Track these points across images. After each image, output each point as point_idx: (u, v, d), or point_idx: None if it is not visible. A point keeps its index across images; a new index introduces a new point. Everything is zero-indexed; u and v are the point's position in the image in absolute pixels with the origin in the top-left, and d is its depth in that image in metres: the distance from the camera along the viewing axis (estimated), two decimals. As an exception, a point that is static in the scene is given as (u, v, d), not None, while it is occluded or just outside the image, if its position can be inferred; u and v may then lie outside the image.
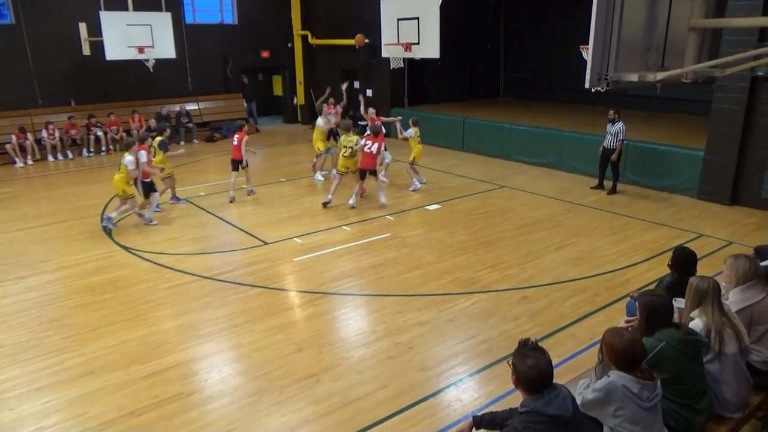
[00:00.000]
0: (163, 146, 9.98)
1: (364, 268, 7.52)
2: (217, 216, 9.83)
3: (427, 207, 10.15)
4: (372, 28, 15.53)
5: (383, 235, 8.71)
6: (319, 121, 11.95)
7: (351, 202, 10.10)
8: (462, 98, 18.93)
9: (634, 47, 3.96)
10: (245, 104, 18.85)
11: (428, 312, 6.26)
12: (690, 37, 4.17)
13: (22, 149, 14.34)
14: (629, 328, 3.35)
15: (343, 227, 9.11)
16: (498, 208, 10.09)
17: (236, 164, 10.61)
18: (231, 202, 10.59)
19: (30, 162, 14.36)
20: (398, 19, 12.60)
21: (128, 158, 8.81)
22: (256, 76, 20.37)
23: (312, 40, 19.42)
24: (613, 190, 10.71)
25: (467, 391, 4.90)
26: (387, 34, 12.87)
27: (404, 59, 13.62)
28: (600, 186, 10.94)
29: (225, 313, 6.33)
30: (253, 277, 7.28)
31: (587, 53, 3.95)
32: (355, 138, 10.29)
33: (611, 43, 3.84)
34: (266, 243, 8.50)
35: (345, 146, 10.24)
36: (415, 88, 17.79)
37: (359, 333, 5.92)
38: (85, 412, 4.66)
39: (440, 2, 11.71)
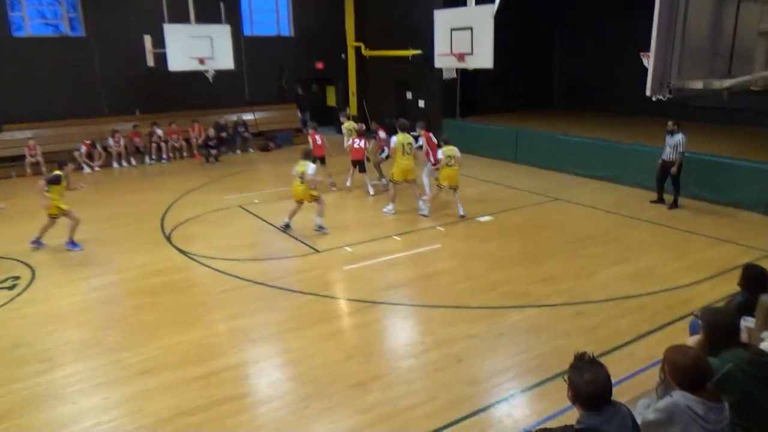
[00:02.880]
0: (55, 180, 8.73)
1: (414, 279, 7.50)
2: (270, 223, 10.02)
3: (478, 218, 10.03)
4: (425, 38, 15.57)
5: (433, 246, 8.66)
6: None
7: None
8: (515, 109, 18.68)
9: (698, 53, 3.81)
10: (299, 114, 19.23)
11: (478, 324, 6.16)
12: (759, 43, 3.97)
13: (90, 156, 15.08)
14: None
15: (394, 237, 9.11)
16: (552, 221, 9.87)
17: (323, 160, 11.95)
18: (332, 186, 12.37)
19: (97, 168, 15.09)
20: (452, 29, 12.59)
21: (311, 165, 9.31)
22: (310, 86, 20.75)
23: (365, 52, 19.65)
24: (674, 205, 10.30)
25: (519, 407, 4.78)
26: (440, 44, 12.86)
27: (457, 69, 13.58)
28: (660, 200, 10.54)
29: (276, 319, 6.43)
30: (304, 284, 7.37)
31: (648, 60, 3.83)
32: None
33: (674, 49, 3.71)
34: (317, 251, 8.60)
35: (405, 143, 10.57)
36: (467, 98, 17.69)
37: (408, 343, 5.89)
38: (141, 409, 4.81)
39: (494, 12, 11.63)
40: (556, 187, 12.09)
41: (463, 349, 5.65)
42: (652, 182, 10.87)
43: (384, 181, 12.03)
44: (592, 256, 8.11)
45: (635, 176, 11.80)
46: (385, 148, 12.14)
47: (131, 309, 6.77)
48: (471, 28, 11.99)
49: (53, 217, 8.87)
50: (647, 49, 3.81)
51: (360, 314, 6.55)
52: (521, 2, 16.76)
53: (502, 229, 9.41)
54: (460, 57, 12.40)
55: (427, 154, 11.08)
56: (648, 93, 3.82)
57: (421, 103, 18.08)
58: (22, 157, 14.38)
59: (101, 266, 8.16)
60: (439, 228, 9.54)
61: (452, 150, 9.94)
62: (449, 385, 5.07)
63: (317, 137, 12.08)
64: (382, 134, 12.40)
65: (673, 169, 10.01)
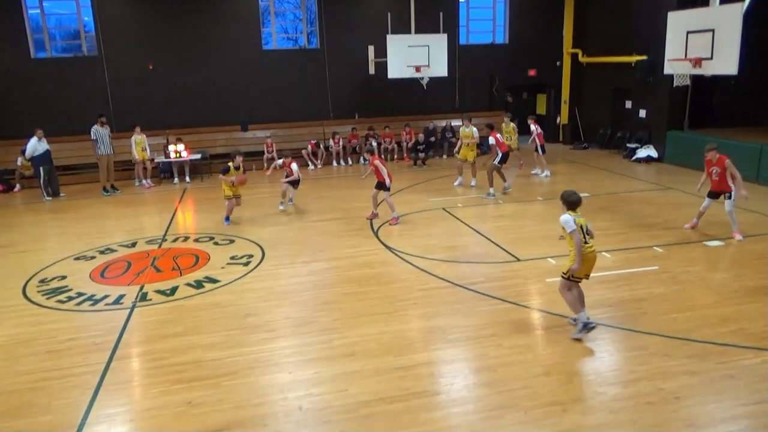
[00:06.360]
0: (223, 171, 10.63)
1: (624, 300, 6.88)
2: (472, 227, 10.07)
3: (706, 243, 8.87)
4: (653, 42, 14.31)
5: (649, 268, 7.87)
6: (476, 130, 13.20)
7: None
8: (761, 123, 16.15)
9: None
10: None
11: (702, 362, 5.42)
12: None
13: (314, 155, 16.76)
14: None
15: (604, 254, 8.46)
16: (804, 253, 8.30)
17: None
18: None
19: (319, 165, 16.72)
20: (687, 32, 11.37)
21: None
22: (520, 94, 20.43)
23: (582, 58, 18.72)
24: None
25: (750, 464, 4.10)
26: (672, 48, 11.71)
27: (690, 76, 12.18)
28: None
29: (473, 323, 6.41)
30: (503, 291, 7.25)
31: None
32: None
33: None
34: (519, 259, 8.39)
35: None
36: (699, 108, 15.79)
37: (615, 369, 5.42)
38: (345, 388, 5.16)
39: (744, 11, 10.21)
40: (811, 214, 10.16)
41: (682, 386, 5.01)
42: None
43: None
44: None
45: None
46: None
47: (341, 295, 7.33)
48: (713, 30, 10.68)
49: (228, 199, 10.67)
50: None
51: (562, 330, 6.20)
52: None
53: (736, 258, 8.19)
54: (697, 62, 11.15)
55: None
56: None
57: (642, 113, 16.64)
58: (261, 153, 16.52)
59: (318, 253, 8.99)
60: (657, 249, 8.64)
61: None
62: (662, 423, 4.53)
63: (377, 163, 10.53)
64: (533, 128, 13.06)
65: None
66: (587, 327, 5.87)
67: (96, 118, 14.16)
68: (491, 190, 12.19)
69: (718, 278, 7.49)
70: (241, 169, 10.72)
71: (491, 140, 12.29)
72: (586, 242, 5.73)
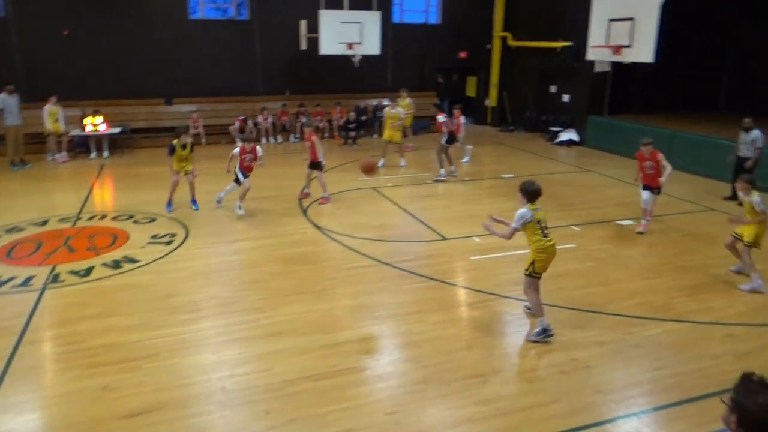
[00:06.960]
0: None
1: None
2: (401, 207, 10.17)
3: (619, 221, 9.39)
4: (578, 29, 14.81)
5: (567, 246, 8.23)
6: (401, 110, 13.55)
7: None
8: (673, 110, 17.16)
9: None
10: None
11: (611, 332, 5.77)
12: None
13: (242, 131, 16.29)
14: None
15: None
16: (703, 232, 8.95)
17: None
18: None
19: (247, 143, 16.26)
20: (610, 20, 11.85)
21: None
22: (451, 76, 20.66)
23: (511, 42, 19.12)
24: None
25: (650, 425, 4.42)
26: (595, 35, 12.18)
27: (611, 63, 12.74)
28: (734, 196, 9.64)
29: (399, 300, 6.51)
30: (429, 269, 7.39)
31: None
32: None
33: None
34: (445, 238, 8.57)
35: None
36: (618, 95, 16.57)
37: (532, 341, 5.68)
38: (270, 368, 5.12)
39: (662, 1, 10.74)
40: (711, 196, 10.96)
41: (593, 356, 5.32)
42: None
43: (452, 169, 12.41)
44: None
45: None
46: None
47: (268, 274, 7.23)
48: (632, 19, 11.19)
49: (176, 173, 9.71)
50: None
51: (483, 306, 6.42)
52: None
53: (644, 236, 8.71)
54: (617, 49, 11.65)
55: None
56: None
57: (566, 98, 17.27)
58: (186, 129, 15.83)
59: (244, 232, 8.82)
60: (575, 228, 9.06)
61: None
62: (574, 390, 4.80)
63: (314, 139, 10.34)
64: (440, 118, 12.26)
65: (748, 164, 10.12)
66: (547, 333, 5.55)
67: (3, 85, 13.12)
68: (441, 171, 12.10)
69: (628, 255, 7.96)
70: (188, 148, 9.65)
71: (439, 119, 12.11)
72: (545, 236, 5.57)
